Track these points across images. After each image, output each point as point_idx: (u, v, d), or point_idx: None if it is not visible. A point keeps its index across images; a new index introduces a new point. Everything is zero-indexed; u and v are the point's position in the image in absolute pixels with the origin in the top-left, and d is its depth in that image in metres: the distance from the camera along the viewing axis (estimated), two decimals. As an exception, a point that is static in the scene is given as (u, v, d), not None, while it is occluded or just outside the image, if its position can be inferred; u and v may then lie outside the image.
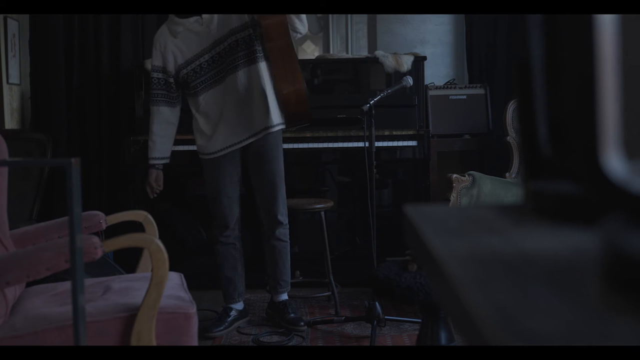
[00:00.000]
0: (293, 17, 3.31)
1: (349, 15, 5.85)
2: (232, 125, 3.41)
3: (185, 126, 3.85)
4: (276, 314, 3.60)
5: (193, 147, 4.10)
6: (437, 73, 4.85)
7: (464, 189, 3.90)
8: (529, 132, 0.61)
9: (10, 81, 4.57)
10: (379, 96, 3.49)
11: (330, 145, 4.22)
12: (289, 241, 3.59)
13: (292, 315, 3.54)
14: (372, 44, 5.11)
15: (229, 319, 3.55)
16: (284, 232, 3.55)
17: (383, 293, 3.90)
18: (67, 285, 2.42)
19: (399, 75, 4.34)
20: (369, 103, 3.40)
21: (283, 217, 3.54)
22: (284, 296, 3.63)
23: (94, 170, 4.62)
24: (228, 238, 3.57)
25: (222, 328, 3.50)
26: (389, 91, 3.58)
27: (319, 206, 3.82)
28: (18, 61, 4.71)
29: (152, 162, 3.57)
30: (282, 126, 3.48)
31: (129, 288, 2.35)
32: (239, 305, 3.62)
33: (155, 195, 3.62)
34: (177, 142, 4.18)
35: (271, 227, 3.54)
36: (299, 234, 4.33)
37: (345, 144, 4.24)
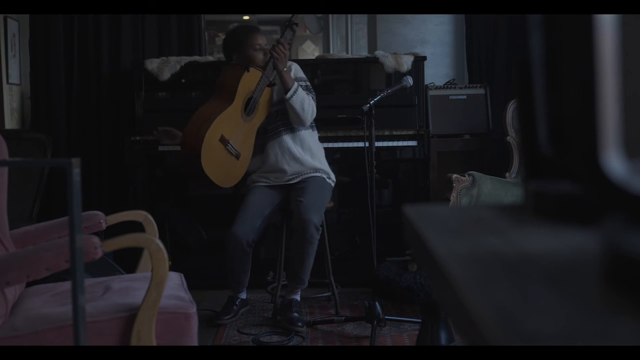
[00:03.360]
0: (294, 117, 3.63)
1: (349, 15, 5.85)
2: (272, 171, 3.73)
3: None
4: (282, 309, 3.63)
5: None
6: (437, 73, 4.85)
7: (464, 189, 3.90)
8: (529, 132, 0.61)
9: (10, 81, 4.57)
10: (379, 96, 3.49)
11: (330, 145, 4.22)
12: (315, 242, 3.56)
13: (294, 314, 3.54)
14: (372, 44, 5.11)
15: (234, 308, 3.69)
16: (311, 233, 3.52)
17: (383, 293, 3.91)
18: (67, 285, 2.42)
19: (399, 75, 4.33)
20: (369, 103, 3.40)
21: (315, 217, 3.53)
22: (296, 296, 3.65)
23: (94, 170, 4.62)
24: (241, 237, 3.59)
25: (230, 316, 3.65)
26: (389, 91, 3.58)
27: (319, 206, 3.82)
28: (18, 61, 4.71)
29: None
30: (318, 174, 3.74)
31: (129, 288, 2.35)
32: (243, 295, 3.75)
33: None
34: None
35: (299, 225, 3.53)
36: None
37: (345, 144, 4.24)
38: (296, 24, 3.70)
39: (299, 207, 3.53)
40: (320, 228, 3.56)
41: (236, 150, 3.59)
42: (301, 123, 3.67)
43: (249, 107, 3.60)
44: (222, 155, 3.56)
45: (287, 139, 3.70)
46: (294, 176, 3.71)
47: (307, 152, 3.74)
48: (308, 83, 3.76)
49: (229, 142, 3.56)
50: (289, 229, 3.72)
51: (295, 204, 3.57)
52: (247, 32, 3.74)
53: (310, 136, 3.78)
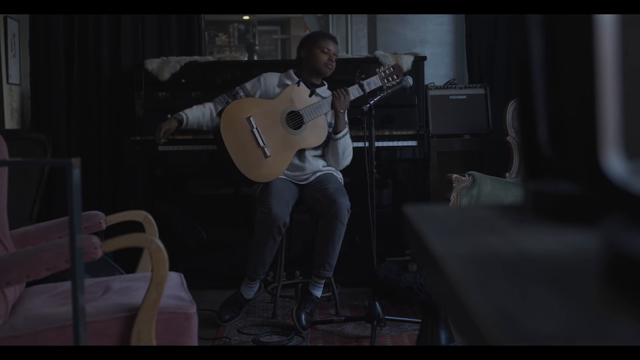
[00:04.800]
0: (331, 156, 3.78)
1: (349, 15, 5.85)
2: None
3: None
4: (300, 298, 3.60)
5: (194, 147, 4.10)
6: (437, 73, 4.85)
7: (464, 189, 3.90)
8: (529, 132, 0.61)
9: (10, 81, 4.57)
10: (379, 96, 3.49)
11: (330, 145, 4.22)
12: (345, 225, 3.56)
13: (304, 312, 3.52)
14: (372, 44, 5.11)
15: (234, 309, 3.66)
16: (343, 214, 3.53)
17: (383, 293, 3.90)
18: (67, 285, 2.42)
19: (399, 75, 4.33)
20: (369, 103, 3.40)
21: (345, 200, 3.57)
22: (318, 291, 3.62)
23: (94, 170, 4.62)
24: (279, 216, 3.50)
25: (230, 317, 3.64)
26: (389, 91, 3.58)
27: (319, 206, 3.82)
28: (18, 61, 4.71)
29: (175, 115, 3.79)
30: (332, 171, 3.81)
31: (129, 288, 2.35)
32: (252, 291, 3.70)
33: (160, 140, 3.72)
34: (177, 142, 4.19)
35: (332, 207, 3.54)
36: (298, 234, 4.33)
37: (345, 144, 4.24)
38: (364, 86, 3.80)
39: (327, 193, 3.56)
40: (350, 211, 3.58)
41: (264, 143, 3.62)
42: (336, 164, 3.80)
43: (292, 115, 3.70)
44: (245, 134, 3.62)
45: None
46: (309, 174, 3.75)
47: (322, 155, 3.85)
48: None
49: (256, 128, 3.63)
50: (289, 230, 3.72)
51: (321, 192, 3.59)
52: (321, 34, 3.95)
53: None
